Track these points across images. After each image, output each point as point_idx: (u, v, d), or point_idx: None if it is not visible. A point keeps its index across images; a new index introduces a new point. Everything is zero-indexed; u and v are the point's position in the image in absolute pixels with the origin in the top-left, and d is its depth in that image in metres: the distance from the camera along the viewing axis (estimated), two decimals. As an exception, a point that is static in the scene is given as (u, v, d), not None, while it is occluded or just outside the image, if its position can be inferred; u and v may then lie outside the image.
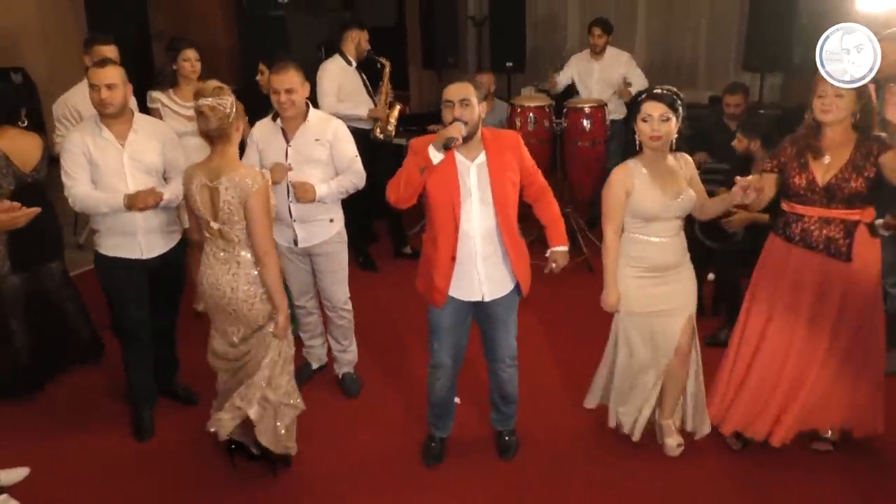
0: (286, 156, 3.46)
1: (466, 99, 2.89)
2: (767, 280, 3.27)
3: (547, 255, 3.20)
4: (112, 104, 3.24)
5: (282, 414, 3.11)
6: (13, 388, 3.84)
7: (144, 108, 4.30)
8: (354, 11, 6.61)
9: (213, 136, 2.87)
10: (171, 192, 3.37)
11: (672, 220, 3.12)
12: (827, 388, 3.20)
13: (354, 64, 5.22)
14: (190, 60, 4.25)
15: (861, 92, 2.93)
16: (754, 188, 2.89)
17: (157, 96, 4.25)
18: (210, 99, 2.83)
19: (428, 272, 3.05)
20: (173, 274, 3.55)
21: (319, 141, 3.47)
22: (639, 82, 5.87)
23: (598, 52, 6.04)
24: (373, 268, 5.41)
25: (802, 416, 3.24)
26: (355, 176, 3.54)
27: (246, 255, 2.95)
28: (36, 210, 2.86)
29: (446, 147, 2.84)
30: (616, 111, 5.90)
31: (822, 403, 3.22)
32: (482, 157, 2.95)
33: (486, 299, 3.07)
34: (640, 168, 3.10)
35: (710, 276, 4.72)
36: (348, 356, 3.93)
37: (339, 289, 3.71)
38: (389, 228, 5.80)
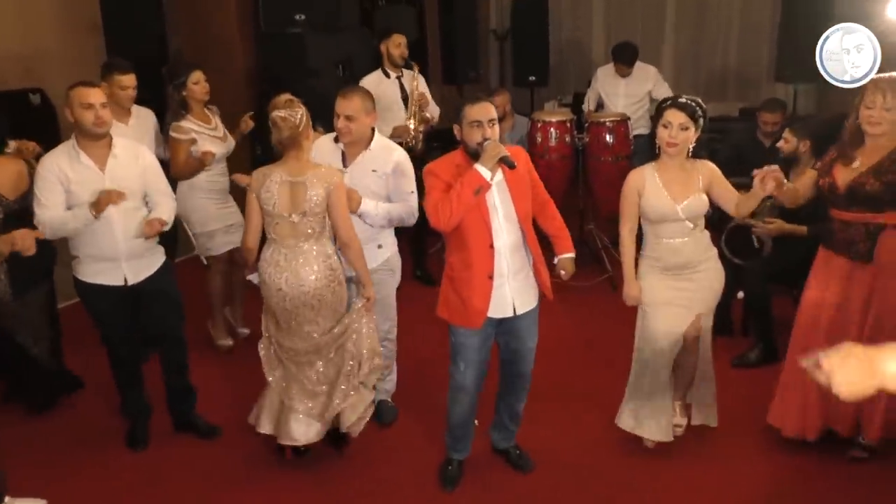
0: None
1: (493, 119, 3.02)
2: (817, 281, 3.35)
3: (555, 262, 3.29)
4: (107, 122, 3.31)
5: (371, 382, 3.42)
6: (43, 399, 4.05)
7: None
8: (374, 27, 6.72)
9: (286, 145, 3.18)
10: (167, 213, 3.45)
11: (682, 222, 3.27)
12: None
13: (393, 75, 5.30)
14: (200, 82, 4.33)
15: None
16: (772, 177, 2.96)
17: (187, 126, 4.28)
18: (282, 111, 3.15)
19: (461, 295, 3.10)
20: (164, 295, 3.54)
21: (377, 172, 3.49)
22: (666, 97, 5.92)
23: (623, 75, 6.15)
24: (431, 282, 5.41)
25: (835, 415, 3.31)
26: (406, 210, 3.54)
27: (318, 245, 3.20)
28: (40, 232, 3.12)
29: (510, 166, 2.97)
30: (641, 126, 5.94)
31: (855, 405, 3.25)
32: (500, 174, 3.05)
33: (519, 313, 3.15)
34: (654, 172, 3.31)
35: (740, 295, 4.72)
36: (387, 385, 3.96)
37: (382, 318, 3.71)
38: (411, 247, 5.83)
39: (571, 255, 3.31)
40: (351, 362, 3.33)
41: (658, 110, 3.29)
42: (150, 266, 3.49)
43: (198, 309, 4.65)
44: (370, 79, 5.25)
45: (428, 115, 5.28)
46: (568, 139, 5.62)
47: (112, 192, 3.25)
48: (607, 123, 5.58)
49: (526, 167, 3.14)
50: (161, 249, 3.58)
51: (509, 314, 3.15)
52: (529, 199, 3.13)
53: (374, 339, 3.37)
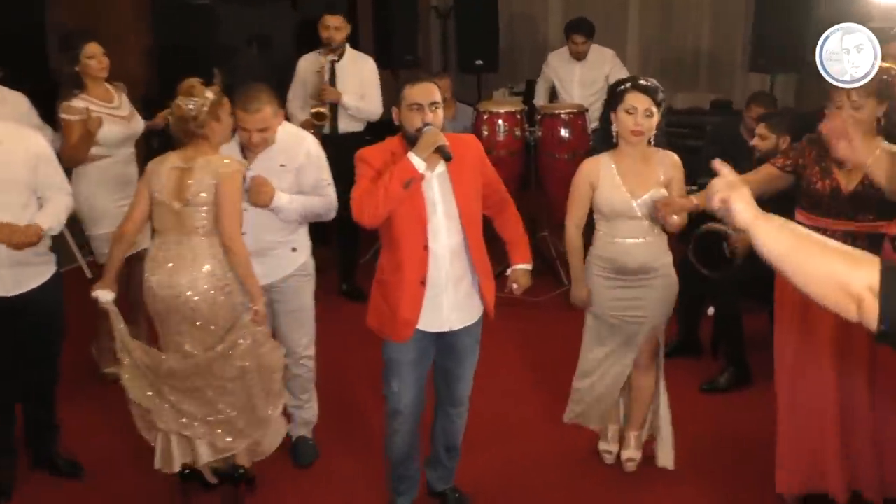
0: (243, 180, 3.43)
1: (435, 102, 3.02)
2: (789, 307, 3.30)
3: (507, 273, 3.30)
4: None
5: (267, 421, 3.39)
6: None
7: (48, 119, 4.29)
8: (297, 0, 6.68)
9: (188, 134, 3.22)
10: (51, 217, 3.33)
11: (639, 220, 3.34)
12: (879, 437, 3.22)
13: (329, 57, 5.33)
14: (96, 56, 4.26)
15: (882, 92, 3.04)
16: (665, 210, 3.18)
17: (80, 104, 4.17)
18: (181, 99, 3.18)
19: (389, 302, 3.10)
20: (47, 314, 3.49)
21: (286, 167, 3.48)
22: None
23: (580, 58, 6.23)
24: (361, 297, 5.33)
25: (856, 471, 3.26)
26: (324, 203, 3.56)
27: (204, 244, 3.19)
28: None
29: (447, 157, 2.96)
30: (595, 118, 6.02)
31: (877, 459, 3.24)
32: (442, 165, 3.04)
33: (455, 328, 3.15)
34: (610, 162, 3.37)
35: (710, 311, 4.80)
36: (306, 414, 3.88)
37: (300, 333, 3.69)
38: (339, 256, 5.79)
39: (528, 266, 3.32)
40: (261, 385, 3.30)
41: (615, 93, 3.33)
42: (37, 276, 3.41)
43: (78, 329, 4.52)
44: (305, 58, 5.40)
45: (322, 110, 5.27)
46: (518, 133, 5.67)
47: (14, 233, 3.20)
48: (562, 115, 5.64)
49: (478, 159, 3.14)
50: (53, 258, 3.49)
51: (445, 328, 3.15)
52: (478, 196, 3.12)
53: (273, 356, 3.35)
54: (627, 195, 3.31)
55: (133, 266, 4.33)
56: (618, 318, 3.45)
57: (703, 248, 4.47)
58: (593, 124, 5.79)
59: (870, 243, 3.11)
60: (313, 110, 5.22)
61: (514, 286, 3.30)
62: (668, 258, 3.45)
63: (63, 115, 4.19)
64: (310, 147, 3.54)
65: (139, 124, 4.44)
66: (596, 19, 6.45)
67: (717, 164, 1.97)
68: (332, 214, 3.63)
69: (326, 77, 5.31)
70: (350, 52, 5.42)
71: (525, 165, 5.78)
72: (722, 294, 4.40)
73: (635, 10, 8.54)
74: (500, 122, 5.64)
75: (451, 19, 8.73)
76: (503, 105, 5.94)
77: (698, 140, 6.20)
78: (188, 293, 3.16)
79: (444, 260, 3.07)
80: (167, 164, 3.24)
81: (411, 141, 3.01)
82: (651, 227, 3.36)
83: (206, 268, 3.18)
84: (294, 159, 3.49)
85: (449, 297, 3.11)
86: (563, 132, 5.60)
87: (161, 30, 6.20)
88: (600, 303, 3.45)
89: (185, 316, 3.19)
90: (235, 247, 3.19)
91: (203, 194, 3.15)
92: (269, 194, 3.38)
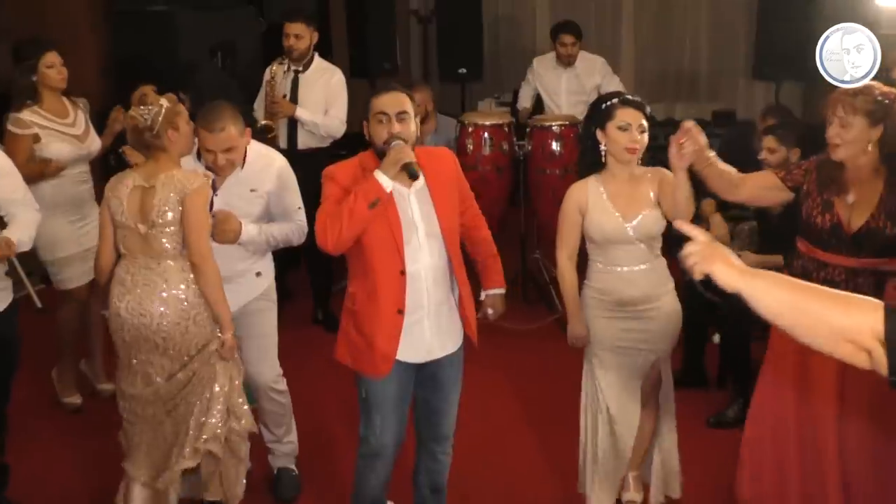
0: (210, 207, 3.45)
1: (404, 112, 3.04)
2: (783, 342, 3.23)
3: (482, 298, 3.33)
4: None
5: (238, 449, 3.42)
6: None
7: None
8: (263, 5, 6.70)
9: (144, 146, 3.28)
10: (21, 231, 3.42)
11: (635, 246, 3.33)
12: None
13: (293, 68, 5.38)
14: (55, 66, 4.31)
15: (875, 113, 3.02)
16: (689, 136, 3.07)
17: (27, 118, 4.21)
18: (135, 110, 3.26)
19: (364, 334, 3.10)
20: (2, 346, 3.49)
21: (256, 192, 3.52)
22: None
23: (568, 64, 6.29)
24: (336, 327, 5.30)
25: None
26: (295, 229, 3.60)
27: (174, 268, 3.23)
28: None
29: (413, 176, 2.95)
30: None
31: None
32: (420, 180, 3.05)
33: (437, 356, 3.16)
34: (598, 186, 3.36)
35: (716, 338, 4.83)
36: (285, 447, 3.90)
37: (267, 362, 3.71)
38: (312, 283, 5.78)
39: (502, 290, 3.36)
40: (201, 419, 3.30)
41: (601, 110, 3.33)
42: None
43: (28, 360, 4.49)
44: (271, 67, 5.43)
45: (270, 123, 5.28)
46: (505, 147, 5.70)
47: None
48: (553, 128, 5.68)
49: (453, 172, 3.19)
50: (9, 284, 3.54)
51: (428, 358, 3.15)
52: (457, 212, 3.16)
53: (233, 395, 3.37)
54: (619, 219, 3.29)
55: (96, 291, 4.35)
56: (622, 349, 3.41)
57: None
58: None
59: (874, 280, 3.09)
60: (259, 124, 5.22)
61: (490, 311, 3.33)
62: (671, 284, 3.45)
63: (9, 128, 4.21)
64: (280, 169, 3.57)
65: (94, 144, 4.45)
66: (586, 24, 6.59)
67: (685, 226, 1.99)
68: (302, 240, 3.66)
69: (287, 89, 5.35)
70: (317, 63, 5.45)
71: (513, 182, 5.82)
72: (729, 320, 4.43)
73: (629, 14, 8.62)
74: (486, 135, 5.68)
75: (431, 24, 8.79)
76: (489, 117, 5.98)
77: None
78: (159, 321, 3.20)
79: (426, 282, 3.07)
80: (127, 184, 3.26)
81: (381, 156, 3.03)
82: (650, 252, 3.36)
83: (178, 293, 3.22)
84: (264, 183, 3.53)
85: (431, 323, 3.11)
86: (555, 146, 5.64)
87: (117, 39, 6.21)
88: (601, 340, 3.40)
89: (156, 344, 3.23)
90: (205, 266, 3.21)
91: (169, 214, 3.18)
92: (234, 231, 3.42)
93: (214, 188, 3.47)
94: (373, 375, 3.12)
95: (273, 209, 3.57)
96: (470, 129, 5.72)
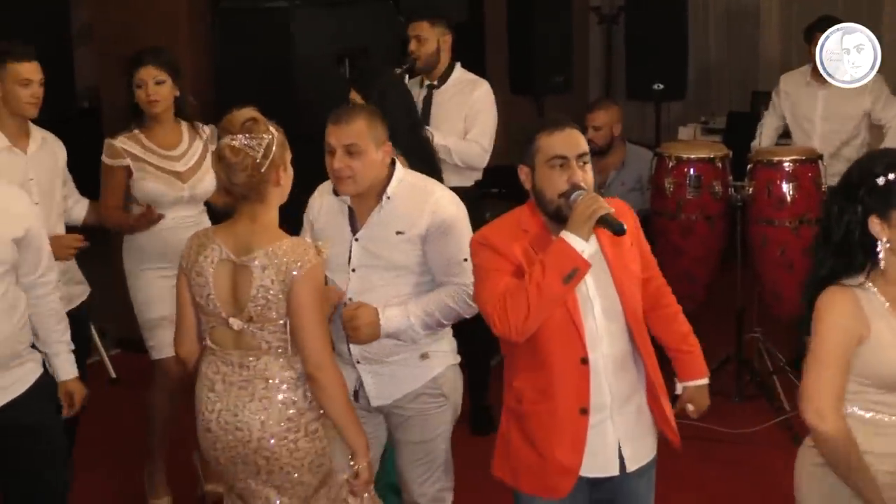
0: (349, 256, 3.52)
1: (586, 154, 3.07)
2: None
3: (678, 392, 3.30)
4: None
5: None
6: None
7: (85, 169, 4.58)
8: (400, 1, 6.87)
9: (238, 193, 3.14)
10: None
11: None
12: None
13: (426, 82, 5.52)
14: (145, 85, 4.48)
15: None
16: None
17: (120, 145, 4.45)
18: (236, 138, 3.08)
19: (532, 442, 3.12)
20: (35, 436, 3.52)
21: (405, 235, 3.48)
22: None
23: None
24: (487, 430, 5.18)
25: None
26: (460, 295, 3.48)
27: (277, 364, 3.15)
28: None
29: (618, 231, 2.96)
30: (842, 168, 5.92)
31: None
32: (593, 241, 3.04)
33: (630, 469, 3.15)
34: (877, 295, 2.84)
35: None
36: None
37: (429, 476, 3.69)
38: (470, 374, 5.69)
39: (704, 380, 3.33)
40: None
41: (881, 188, 2.76)
42: (14, 384, 3.50)
43: (104, 446, 4.71)
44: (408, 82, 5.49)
45: None
46: (718, 189, 5.63)
47: None
48: (785, 164, 5.57)
49: (633, 232, 3.18)
50: (36, 357, 3.62)
51: (613, 471, 3.13)
52: (640, 284, 3.19)
53: None
54: None
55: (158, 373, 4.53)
56: None
57: None
58: (830, 180, 5.70)
59: None
60: None
61: (690, 408, 3.31)
62: None
63: (102, 158, 4.47)
64: (440, 205, 3.51)
65: (203, 184, 4.55)
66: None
67: None
68: (472, 312, 3.49)
69: (419, 108, 5.37)
70: (457, 75, 5.52)
71: (728, 236, 5.75)
72: None
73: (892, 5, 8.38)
74: (693, 172, 5.62)
75: (617, 25, 8.83)
76: (696, 148, 5.93)
77: None
78: (259, 435, 3.13)
79: (607, 375, 3.08)
80: (210, 256, 3.17)
81: (552, 214, 3.04)
82: None
83: (282, 396, 3.15)
84: (415, 222, 3.47)
85: (617, 426, 3.11)
86: (786, 188, 5.53)
87: (220, 42, 6.43)
88: None
89: (258, 467, 3.16)
90: (323, 377, 3.12)
91: (271, 309, 3.09)
92: (370, 325, 3.40)
93: (354, 225, 3.48)
94: (547, 497, 3.11)
95: (431, 261, 3.51)
96: (670, 165, 5.67)
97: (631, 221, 3.15)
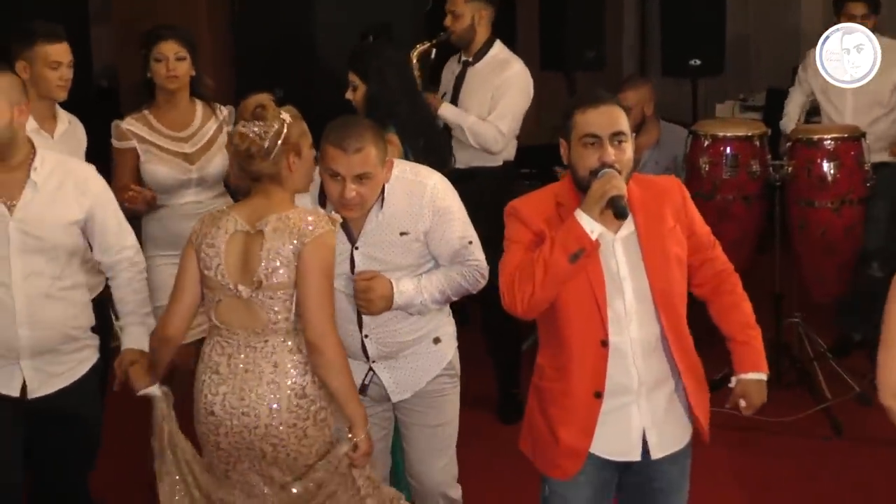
0: (351, 264, 3.52)
1: (621, 133, 3.06)
2: None
3: (731, 384, 3.28)
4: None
5: None
6: None
7: (102, 152, 4.55)
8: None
9: (252, 177, 3.23)
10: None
11: None
12: None
13: (462, 56, 5.52)
14: (166, 60, 4.46)
15: None
16: None
17: (127, 126, 4.45)
18: (246, 125, 3.16)
19: (549, 420, 3.15)
20: (77, 425, 3.61)
21: (409, 235, 3.51)
22: None
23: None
24: (514, 418, 5.05)
25: None
26: (467, 273, 3.57)
27: (285, 347, 3.19)
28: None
29: (620, 214, 2.97)
30: (884, 147, 5.88)
31: None
32: (630, 224, 3.07)
33: (655, 457, 3.15)
34: None
35: None
36: None
37: (442, 460, 3.74)
38: (494, 351, 5.70)
39: (762, 375, 3.26)
40: None
41: None
42: (69, 371, 3.57)
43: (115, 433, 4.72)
44: (449, 64, 5.57)
45: None
46: (756, 168, 5.58)
47: None
48: (826, 142, 5.52)
49: (682, 213, 3.17)
50: (93, 343, 3.67)
51: (635, 457, 3.14)
52: (681, 267, 3.15)
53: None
54: None
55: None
56: None
57: None
58: (875, 158, 5.68)
59: None
60: None
61: (742, 403, 3.25)
62: None
63: (112, 140, 4.48)
64: (434, 194, 3.53)
65: (210, 166, 4.53)
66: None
67: None
68: (480, 285, 3.63)
69: (450, 86, 5.44)
70: (495, 52, 5.48)
71: (766, 217, 5.71)
72: None
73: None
74: (729, 151, 5.57)
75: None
76: (733, 126, 5.87)
77: None
78: (268, 422, 3.14)
79: (635, 359, 3.09)
80: (225, 227, 3.22)
81: (584, 188, 3.05)
82: None
83: (291, 382, 3.17)
84: (418, 219, 3.49)
85: (643, 412, 3.12)
86: (826, 168, 5.48)
87: (239, 24, 6.45)
88: None
89: (263, 453, 3.18)
90: (326, 346, 3.16)
91: (282, 271, 3.13)
92: (384, 297, 3.44)
93: (351, 235, 3.49)
94: (555, 476, 3.14)
95: (435, 251, 3.56)
96: (706, 143, 5.63)
97: (676, 198, 3.16)
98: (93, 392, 3.69)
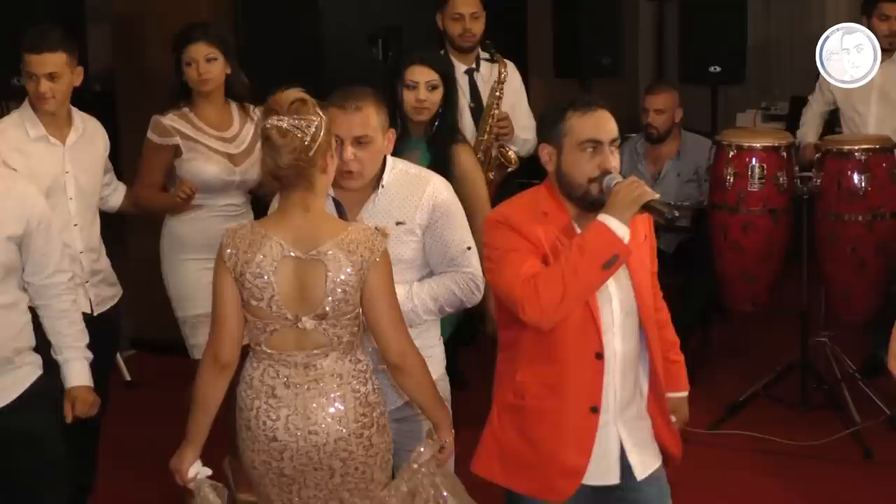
0: None
1: (617, 139, 3.14)
2: None
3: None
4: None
5: None
6: None
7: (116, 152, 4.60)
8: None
9: (285, 179, 3.12)
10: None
11: None
12: None
13: (460, 67, 5.51)
14: (196, 63, 4.53)
15: None
16: None
17: (169, 123, 4.52)
18: (284, 119, 3.07)
19: (533, 440, 3.16)
20: (29, 444, 3.55)
21: (405, 225, 3.53)
22: None
23: (884, 49, 6.07)
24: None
25: None
26: (464, 283, 3.56)
27: (344, 364, 3.19)
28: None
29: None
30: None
31: None
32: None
33: (639, 475, 3.19)
34: None
35: None
36: None
37: None
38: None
39: (684, 393, 3.45)
40: None
41: None
42: (5, 390, 3.52)
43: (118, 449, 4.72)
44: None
45: (509, 153, 5.35)
46: (783, 180, 5.58)
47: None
48: (856, 154, 5.52)
49: (647, 226, 3.26)
50: (34, 361, 3.63)
51: (613, 479, 3.16)
52: (654, 279, 3.29)
53: None
54: None
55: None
56: None
57: None
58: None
59: None
60: (502, 150, 5.30)
61: (672, 419, 3.36)
62: None
63: (148, 135, 4.54)
64: (436, 190, 3.56)
65: (254, 170, 4.45)
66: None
67: None
68: (476, 299, 3.62)
69: (467, 95, 5.41)
70: (483, 57, 5.53)
71: (793, 231, 5.70)
72: None
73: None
74: (755, 162, 5.57)
75: (671, 1, 8.82)
76: (759, 136, 5.87)
77: None
78: (337, 437, 3.14)
79: (615, 375, 3.13)
80: (270, 254, 3.12)
81: (578, 198, 3.08)
82: None
83: (353, 393, 3.18)
84: (415, 213, 3.51)
85: (623, 430, 3.17)
86: (857, 180, 5.48)
87: (243, 19, 6.47)
88: None
89: (332, 471, 3.17)
90: (411, 366, 3.19)
91: (347, 299, 3.11)
92: None
93: (343, 217, 3.47)
94: (546, 499, 3.15)
95: (430, 251, 3.55)
96: (731, 154, 5.63)
97: (647, 223, 3.23)
98: (41, 410, 3.60)
